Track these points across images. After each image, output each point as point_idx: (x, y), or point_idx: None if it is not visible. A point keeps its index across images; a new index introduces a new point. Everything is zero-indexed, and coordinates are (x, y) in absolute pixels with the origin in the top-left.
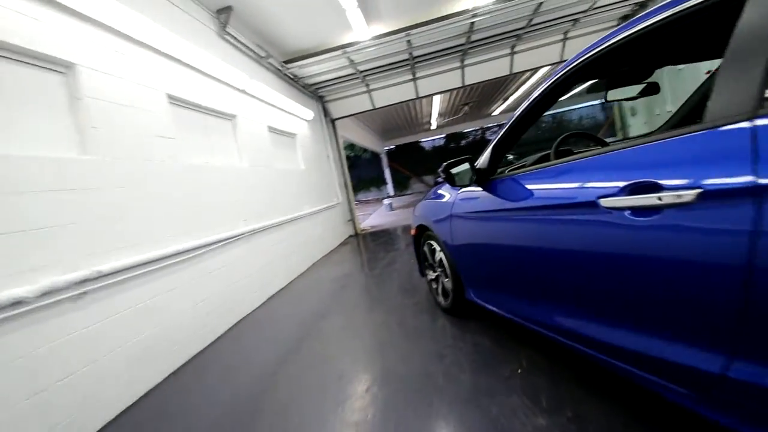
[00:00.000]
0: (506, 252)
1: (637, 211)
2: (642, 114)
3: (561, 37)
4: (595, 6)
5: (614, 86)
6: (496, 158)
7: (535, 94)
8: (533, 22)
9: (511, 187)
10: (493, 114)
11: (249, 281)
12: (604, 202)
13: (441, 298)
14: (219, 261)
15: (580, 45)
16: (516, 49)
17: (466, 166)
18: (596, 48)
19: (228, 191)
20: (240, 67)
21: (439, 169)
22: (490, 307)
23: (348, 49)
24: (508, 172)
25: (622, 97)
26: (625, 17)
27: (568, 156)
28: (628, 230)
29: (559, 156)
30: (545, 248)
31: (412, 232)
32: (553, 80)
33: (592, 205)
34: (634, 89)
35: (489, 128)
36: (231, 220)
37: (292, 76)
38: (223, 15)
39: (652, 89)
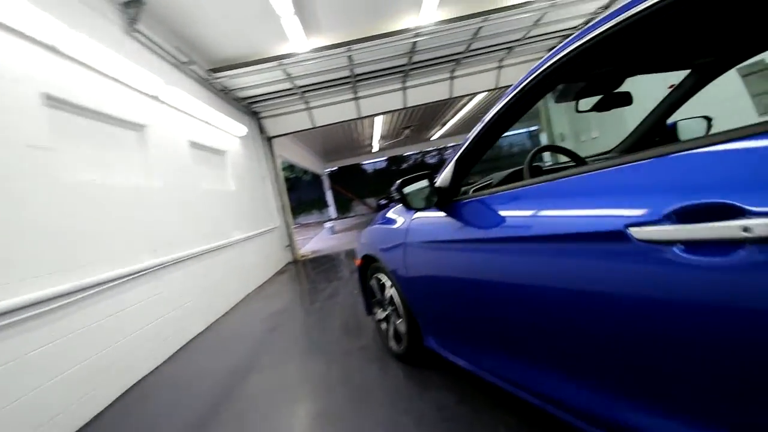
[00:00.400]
0: (484, 295)
1: (696, 246)
2: (570, 140)
3: (497, 64)
4: (528, 36)
5: (583, 96)
6: (460, 175)
7: (507, 96)
8: (472, 47)
9: (482, 211)
10: (431, 139)
11: (153, 330)
12: (638, 233)
13: (393, 343)
14: (111, 306)
15: (514, 73)
16: (455, 73)
17: (423, 183)
18: (573, 45)
19: (132, 216)
20: (154, 70)
21: (392, 188)
22: (459, 362)
23: (284, 61)
24: (473, 192)
25: (592, 108)
26: (551, 48)
27: (540, 175)
28: (681, 273)
29: (534, 174)
30: (543, 293)
31: (357, 262)
32: (527, 81)
33: (616, 236)
34: (605, 100)
35: (428, 152)
36: (134, 251)
37: (221, 87)
38: (131, 9)
39: (624, 100)
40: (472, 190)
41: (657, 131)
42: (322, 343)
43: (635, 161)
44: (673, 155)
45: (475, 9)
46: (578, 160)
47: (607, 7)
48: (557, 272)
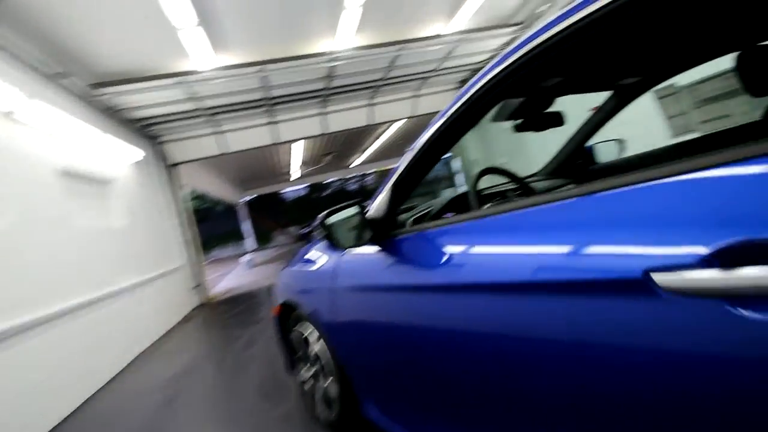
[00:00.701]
0: (443, 355)
1: (752, 299)
2: (483, 166)
3: (413, 93)
4: (441, 67)
5: (518, 117)
6: (396, 204)
7: (444, 116)
8: (389, 75)
9: (430, 249)
10: (351, 166)
11: None
12: (665, 281)
13: (321, 408)
14: None
15: (430, 102)
16: (374, 100)
17: (352, 211)
18: (507, 61)
19: None
20: (11, 81)
21: (315, 223)
22: None
23: (187, 78)
24: (413, 223)
25: (524, 128)
26: (463, 81)
27: (484, 201)
28: (737, 337)
29: (482, 201)
30: (527, 357)
31: (274, 311)
32: (462, 101)
33: (632, 286)
34: (538, 120)
35: (349, 179)
36: None
37: (107, 106)
38: None
39: (555, 120)
40: (410, 220)
41: (579, 153)
42: (234, 413)
43: (646, 180)
44: (710, 171)
45: (392, 37)
46: (520, 183)
47: (508, 43)
48: (546, 330)
